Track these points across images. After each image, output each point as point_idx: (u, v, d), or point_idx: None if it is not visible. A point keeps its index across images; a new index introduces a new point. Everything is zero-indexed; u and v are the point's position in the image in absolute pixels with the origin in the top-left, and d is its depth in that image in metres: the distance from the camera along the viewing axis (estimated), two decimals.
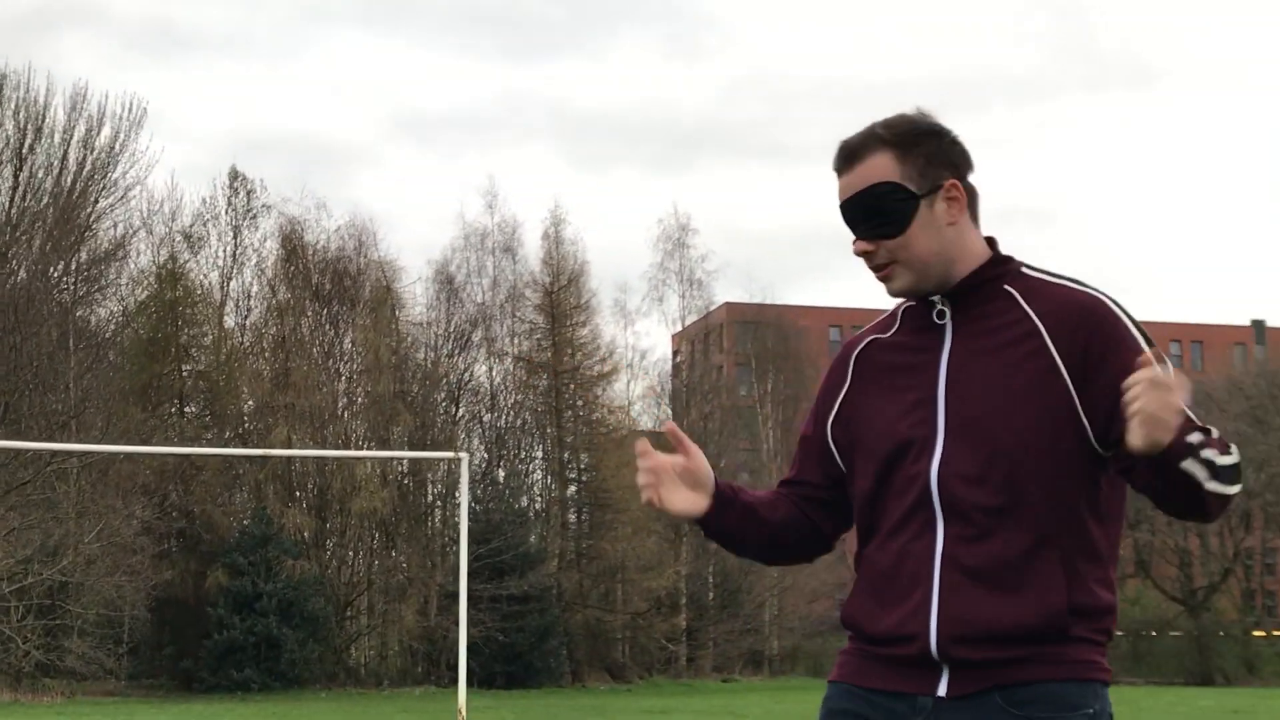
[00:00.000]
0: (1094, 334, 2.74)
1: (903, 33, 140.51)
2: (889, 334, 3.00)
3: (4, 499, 40.57)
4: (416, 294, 54.20)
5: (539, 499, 54.84)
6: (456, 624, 18.65)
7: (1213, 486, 2.58)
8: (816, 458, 3.06)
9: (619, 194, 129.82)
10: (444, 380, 53.21)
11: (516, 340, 54.65)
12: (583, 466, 53.83)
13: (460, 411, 53.95)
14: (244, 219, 52.22)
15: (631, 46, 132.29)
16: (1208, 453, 2.57)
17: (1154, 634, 63.05)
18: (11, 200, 47.77)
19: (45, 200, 47.86)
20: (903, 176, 2.84)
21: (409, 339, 53.15)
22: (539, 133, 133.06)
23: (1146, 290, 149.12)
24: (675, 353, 67.04)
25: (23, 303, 43.69)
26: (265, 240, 52.38)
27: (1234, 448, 2.64)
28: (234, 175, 52.72)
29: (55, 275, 47.58)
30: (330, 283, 52.08)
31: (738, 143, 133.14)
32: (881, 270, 2.91)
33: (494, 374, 54.60)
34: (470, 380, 54.26)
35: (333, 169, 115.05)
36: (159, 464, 44.24)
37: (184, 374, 49.96)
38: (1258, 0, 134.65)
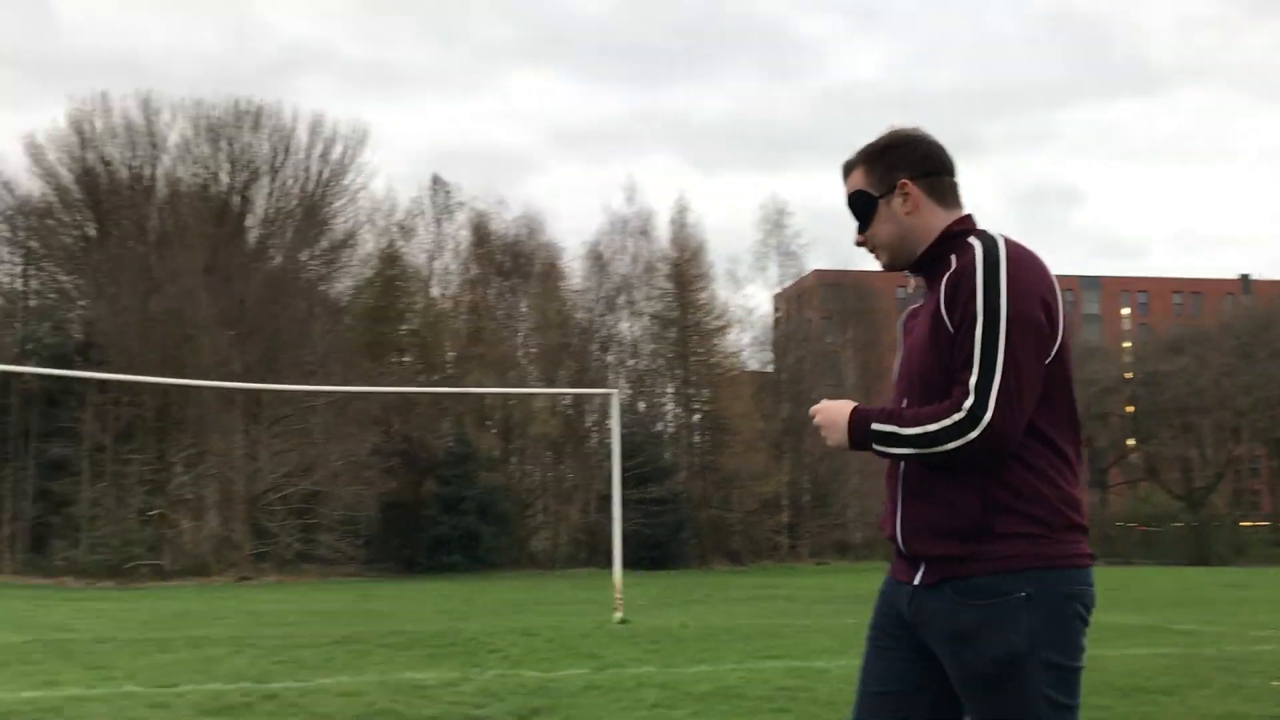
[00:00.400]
0: (956, 287, 2.71)
1: (957, 49, 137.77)
2: (915, 304, 3.04)
3: (270, 429, 41.74)
4: (574, 268, 54.67)
5: (671, 424, 55.12)
6: (611, 520, 18.88)
7: (902, 450, 2.71)
8: None
9: (730, 187, 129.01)
10: (597, 334, 53.67)
11: (651, 302, 54.85)
12: (704, 399, 54.00)
13: (610, 358, 54.42)
14: (443, 213, 52.97)
15: (737, 70, 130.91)
16: (880, 427, 2.74)
17: (1159, 526, 61.86)
18: (268, 203, 48.87)
19: (294, 203, 48.90)
20: (867, 184, 2.94)
21: (569, 303, 53.62)
22: (666, 140, 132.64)
23: (1154, 252, 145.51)
24: (775, 309, 66.71)
25: (279, 281, 44.72)
26: (460, 229, 53.15)
27: (915, 424, 2.68)
28: (435, 180, 53.60)
29: (303, 259, 48.62)
30: (509, 261, 52.73)
31: (823, 143, 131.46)
32: (871, 254, 3.03)
33: (634, 329, 55.01)
34: (617, 334, 54.68)
35: (509, 172, 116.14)
36: (384, 401, 45.22)
37: (401, 333, 50.89)
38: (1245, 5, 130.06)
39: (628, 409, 51.26)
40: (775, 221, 61.35)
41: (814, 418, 2.87)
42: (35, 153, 45.13)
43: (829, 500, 56.41)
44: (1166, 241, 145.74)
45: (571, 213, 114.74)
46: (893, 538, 2.85)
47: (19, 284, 45.42)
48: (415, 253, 52.71)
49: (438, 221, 52.86)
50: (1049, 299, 2.72)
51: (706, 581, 35.41)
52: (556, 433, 49.92)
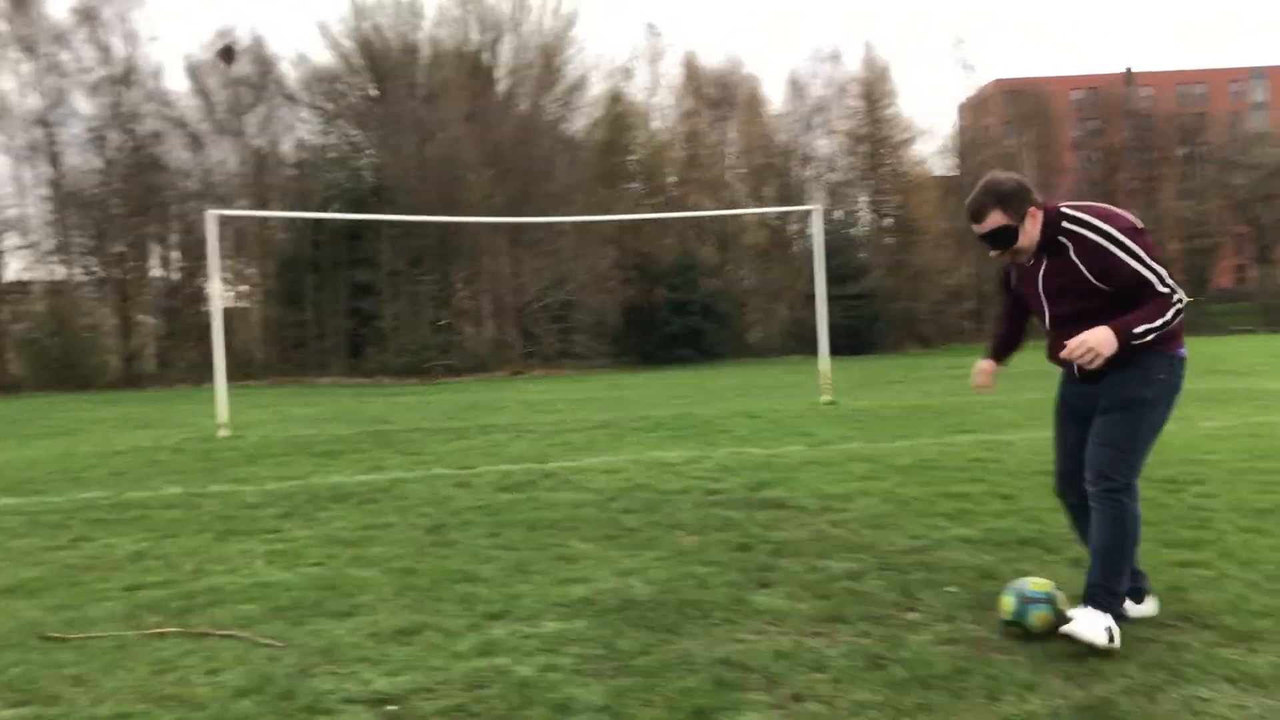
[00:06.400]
0: (1093, 257, 3.86)
1: None
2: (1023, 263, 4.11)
3: (528, 249, 42.68)
4: (775, 95, 53.14)
5: (865, 228, 53.84)
6: (815, 315, 18.78)
7: (1151, 333, 3.83)
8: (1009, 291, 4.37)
9: (912, 15, 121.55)
10: (796, 153, 52.36)
11: (844, 121, 52.99)
12: (895, 205, 52.40)
13: (808, 173, 53.05)
14: (658, 55, 52.13)
15: None
16: (1140, 328, 3.80)
17: None
18: (513, 56, 48.93)
19: (533, 54, 48.77)
20: (1007, 220, 3.93)
21: (771, 126, 52.33)
22: None
23: (1229, 39, 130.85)
24: (958, 119, 63.64)
25: (527, 124, 45.02)
26: (672, 68, 52.18)
27: (1157, 317, 3.81)
28: (649, 26, 52.44)
29: (544, 104, 48.69)
30: (717, 92, 51.58)
31: None
32: (1001, 257, 4.06)
33: (830, 145, 53.36)
34: (814, 151, 53.17)
35: (713, 12, 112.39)
36: (620, 223, 45.52)
37: (629, 163, 50.77)
38: None
39: (825, 217, 50.23)
40: (956, 38, 57.97)
41: (1077, 351, 3.77)
42: (324, 28, 46.33)
43: None
44: (1236, 27, 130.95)
45: (771, 44, 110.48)
46: (1069, 364, 4.09)
47: (320, 139, 47.31)
48: (636, 91, 52.23)
49: (652, 63, 52.08)
50: None
51: (901, 364, 35.03)
52: (765, 242, 49.45)
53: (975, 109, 66.28)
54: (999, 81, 67.18)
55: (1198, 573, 4.91)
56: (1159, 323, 3.78)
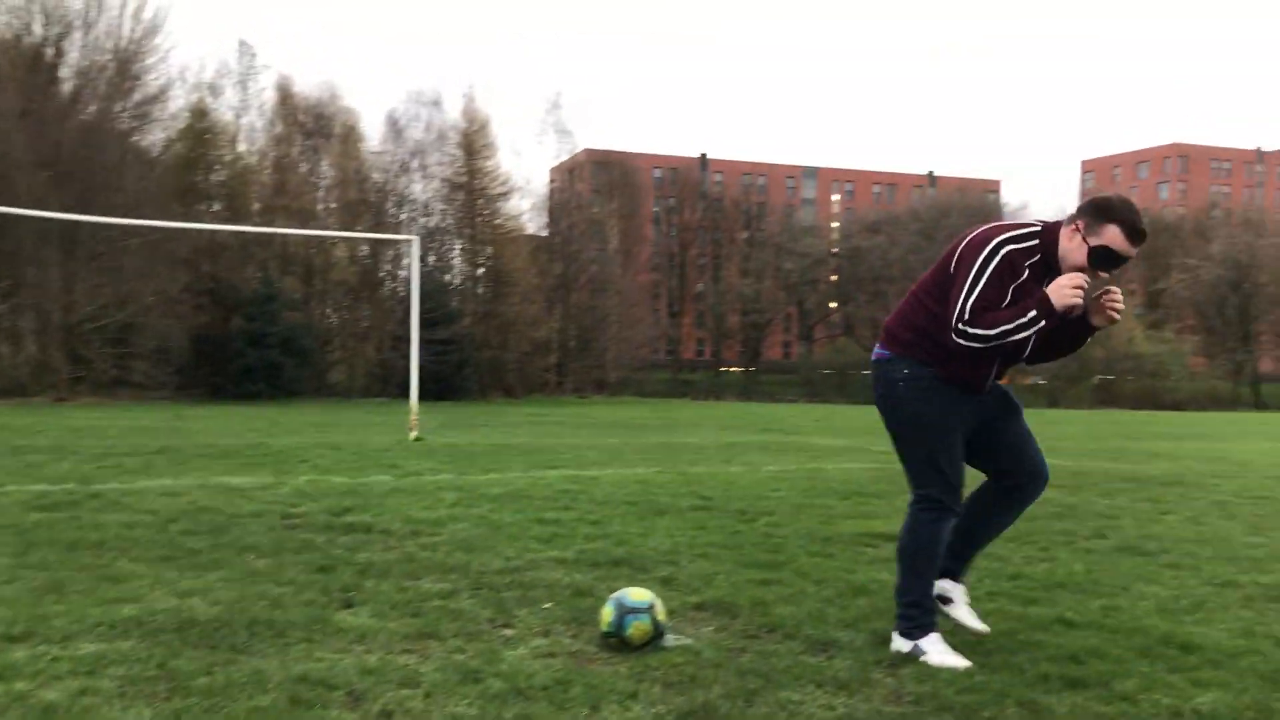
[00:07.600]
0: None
1: None
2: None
3: (86, 265, 38.73)
4: (372, 132, 52.35)
5: (458, 277, 54.11)
6: (404, 357, 18.37)
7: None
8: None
9: (517, 71, 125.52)
10: (392, 193, 51.75)
11: (442, 167, 53.19)
12: (488, 255, 53.16)
13: (403, 215, 52.54)
14: (248, 74, 49.57)
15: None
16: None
17: (853, 372, 64.94)
18: (82, 55, 44.38)
19: (107, 57, 44.58)
20: None
21: (367, 163, 51.40)
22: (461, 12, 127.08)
23: (862, 150, 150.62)
24: (551, 181, 66.08)
25: (94, 129, 41.04)
26: (264, 90, 49.86)
27: None
28: (241, 43, 49.89)
29: (116, 111, 44.58)
30: (312, 121, 49.89)
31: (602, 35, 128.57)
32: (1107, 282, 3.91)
33: (426, 190, 53.26)
34: (410, 194, 52.83)
35: (312, 38, 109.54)
36: (194, 244, 42.51)
37: (210, 182, 47.63)
38: None
39: (420, 262, 49.99)
40: (554, 102, 60.39)
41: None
42: None
43: (591, 346, 57.09)
44: (865, 141, 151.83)
45: (373, 82, 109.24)
46: (983, 384, 4.17)
47: None
48: (223, 110, 49.29)
49: (243, 83, 49.49)
50: None
51: (486, 410, 35.24)
52: (354, 279, 48.21)
53: (567, 173, 69.24)
54: (589, 150, 70.65)
55: (777, 590, 5.09)
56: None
